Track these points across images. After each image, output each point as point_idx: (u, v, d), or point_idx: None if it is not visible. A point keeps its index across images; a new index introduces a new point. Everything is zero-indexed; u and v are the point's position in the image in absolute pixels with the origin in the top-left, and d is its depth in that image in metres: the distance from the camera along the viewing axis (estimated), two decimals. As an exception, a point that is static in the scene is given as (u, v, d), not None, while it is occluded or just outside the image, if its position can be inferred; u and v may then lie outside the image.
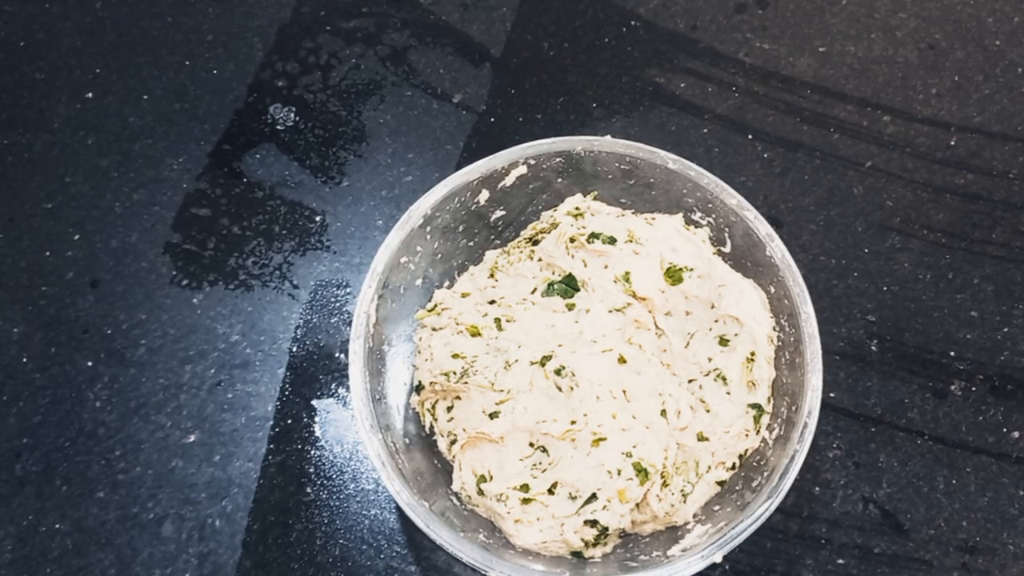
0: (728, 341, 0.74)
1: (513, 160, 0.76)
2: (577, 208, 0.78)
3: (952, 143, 0.92)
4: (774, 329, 0.74)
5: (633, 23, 0.98)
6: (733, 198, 0.74)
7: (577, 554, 0.70)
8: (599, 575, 0.68)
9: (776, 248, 0.72)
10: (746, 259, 0.76)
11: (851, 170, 0.90)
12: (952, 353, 0.84)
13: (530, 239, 0.80)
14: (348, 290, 0.86)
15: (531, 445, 0.72)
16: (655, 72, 0.95)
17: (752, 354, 0.73)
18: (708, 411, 0.73)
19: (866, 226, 0.88)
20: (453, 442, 0.73)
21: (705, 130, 0.92)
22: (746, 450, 0.72)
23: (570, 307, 0.75)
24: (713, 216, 0.76)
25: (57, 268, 0.86)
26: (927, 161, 0.91)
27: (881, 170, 0.90)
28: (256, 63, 0.95)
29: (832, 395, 0.82)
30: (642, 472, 0.69)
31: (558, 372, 0.72)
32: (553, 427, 0.70)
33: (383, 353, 0.74)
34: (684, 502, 0.71)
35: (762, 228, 0.73)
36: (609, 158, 0.77)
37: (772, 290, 0.74)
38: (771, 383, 0.74)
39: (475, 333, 0.74)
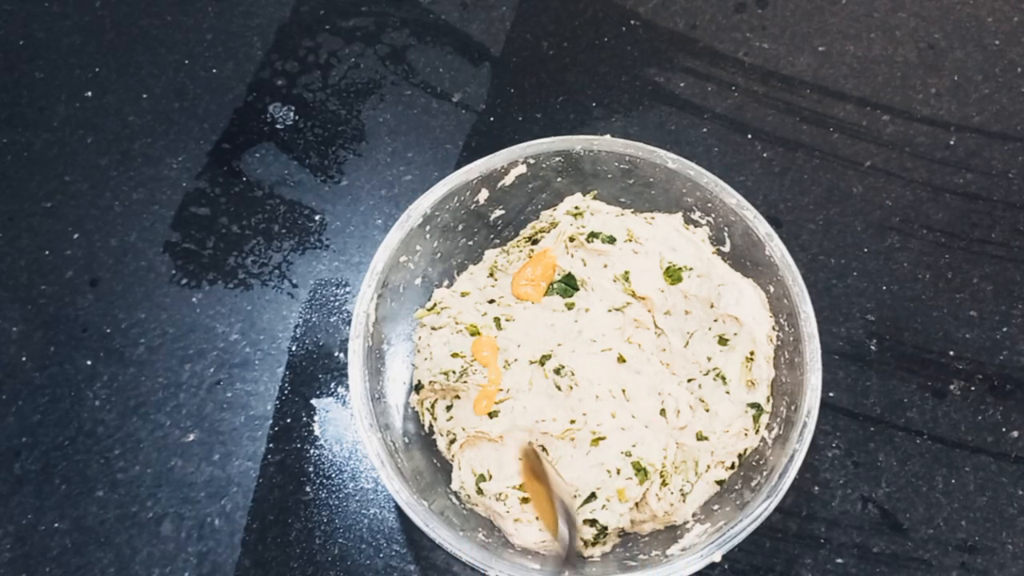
0: (727, 340, 0.74)
1: (512, 159, 0.76)
2: (576, 207, 0.78)
3: (951, 142, 0.92)
4: (773, 328, 0.74)
5: (632, 22, 0.98)
6: (732, 197, 0.74)
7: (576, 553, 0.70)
8: (598, 574, 0.68)
9: (775, 247, 0.72)
10: (745, 258, 0.76)
11: (850, 170, 0.90)
12: (951, 353, 0.84)
13: (529, 238, 0.80)
14: (347, 289, 0.86)
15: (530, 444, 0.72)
16: (654, 71, 0.95)
17: (751, 353, 0.73)
18: (707, 410, 0.73)
19: (865, 225, 0.88)
20: (452, 441, 0.73)
21: (704, 129, 0.92)
22: (745, 449, 0.73)
23: (569, 306, 0.75)
24: (712, 215, 0.76)
25: (56, 267, 0.86)
26: (926, 160, 0.91)
27: (880, 170, 0.90)
28: (255, 62, 0.95)
29: (831, 394, 0.82)
30: (641, 471, 0.69)
31: (557, 371, 0.72)
32: (552, 426, 0.70)
33: (382, 352, 0.74)
34: (683, 501, 0.71)
35: (761, 227, 0.73)
36: (608, 157, 0.77)
37: (771, 289, 0.74)
38: (770, 382, 0.74)
39: (474, 332, 0.74)
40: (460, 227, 0.78)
